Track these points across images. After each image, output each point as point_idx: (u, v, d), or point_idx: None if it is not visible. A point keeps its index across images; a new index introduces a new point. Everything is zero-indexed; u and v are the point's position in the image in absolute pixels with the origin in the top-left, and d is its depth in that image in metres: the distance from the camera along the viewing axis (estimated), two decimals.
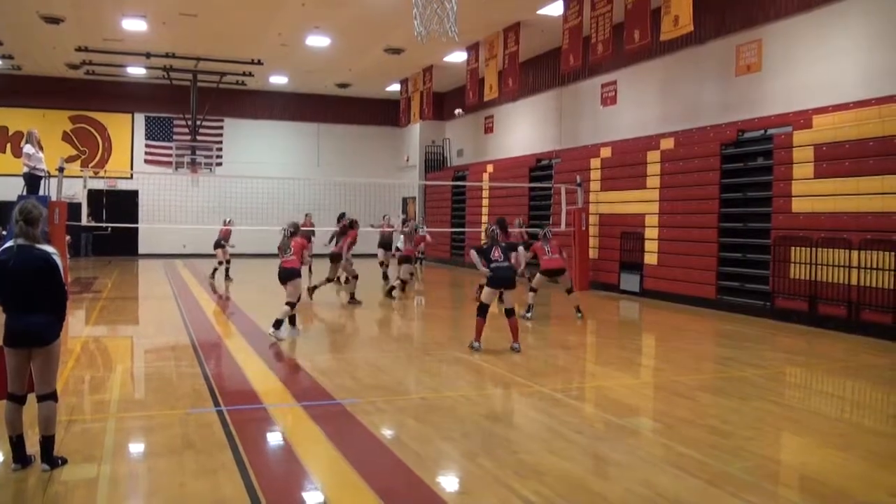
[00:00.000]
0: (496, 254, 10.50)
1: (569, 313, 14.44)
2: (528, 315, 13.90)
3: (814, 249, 13.13)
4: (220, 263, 20.28)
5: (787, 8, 15.15)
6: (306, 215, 22.08)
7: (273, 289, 14.76)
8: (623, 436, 6.61)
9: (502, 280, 10.47)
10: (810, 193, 13.52)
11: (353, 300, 15.59)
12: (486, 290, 10.62)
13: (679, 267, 16.60)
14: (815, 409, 8.00)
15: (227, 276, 20.08)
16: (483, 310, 10.57)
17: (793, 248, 13.59)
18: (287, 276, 11.51)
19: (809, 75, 14.70)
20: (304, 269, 12.98)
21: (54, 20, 20.55)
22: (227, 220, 20.73)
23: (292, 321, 11.84)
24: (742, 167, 15.47)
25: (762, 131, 15.29)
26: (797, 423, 7.25)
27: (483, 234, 12.01)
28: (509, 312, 10.61)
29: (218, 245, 20.29)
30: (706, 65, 17.32)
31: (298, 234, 11.92)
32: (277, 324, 11.20)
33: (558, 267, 13.89)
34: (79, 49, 24.24)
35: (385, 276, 19.45)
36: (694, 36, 15.88)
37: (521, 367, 9.57)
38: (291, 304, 11.46)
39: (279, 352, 10.60)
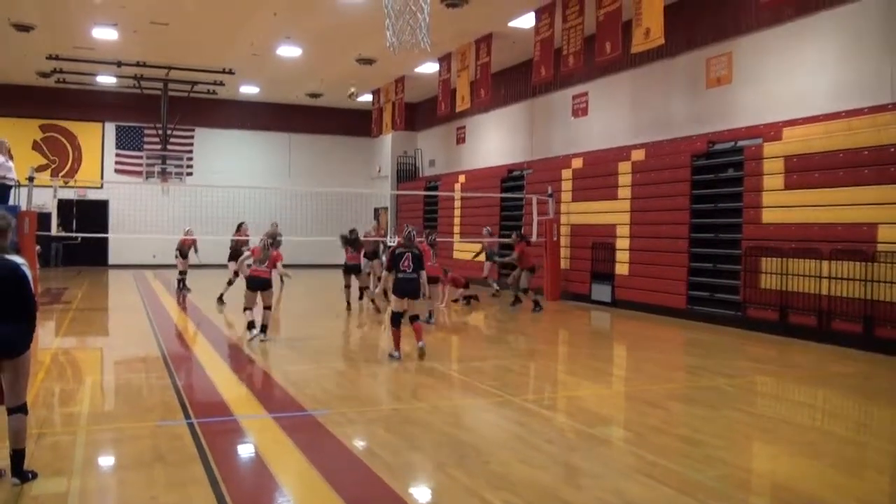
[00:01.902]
0: (405, 264, 10.76)
1: (541, 325, 14.45)
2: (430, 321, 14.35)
3: (784, 260, 13.25)
4: (182, 273, 19.93)
5: (757, 21, 15.30)
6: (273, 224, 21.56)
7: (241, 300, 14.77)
8: (594, 445, 6.63)
9: (407, 291, 10.78)
10: (780, 204, 13.66)
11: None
12: (393, 298, 10.93)
13: (650, 277, 16.69)
14: (785, 418, 8.09)
15: (182, 287, 19.78)
16: (396, 319, 10.82)
17: (763, 258, 13.71)
18: (264, 285, 12.00)
19: (779, 88, 14.86)
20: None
21: (25, 28, 20.31)
22: (187, 229, 20.35)
23: (251, 326, 12.03)
24: (713, 178, 15.58)
25: (732, 143, 15.43)
26: (768, 432, 7.32)
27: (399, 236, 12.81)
28: (413, 318, 10.99)
29: (177, 255, 19.95)
30: (677, 77, 17.47)
31: (277, 245, 12.29)
32: (264, 328, 11.86)
33: (433, 276, 14.48)
34: (49, 57, 24.01)
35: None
36: (665, 48, 16.00)
37: (492, 378, 9.58)
38: (270, 307, 12.15)
39: (250, 363, 10.55)
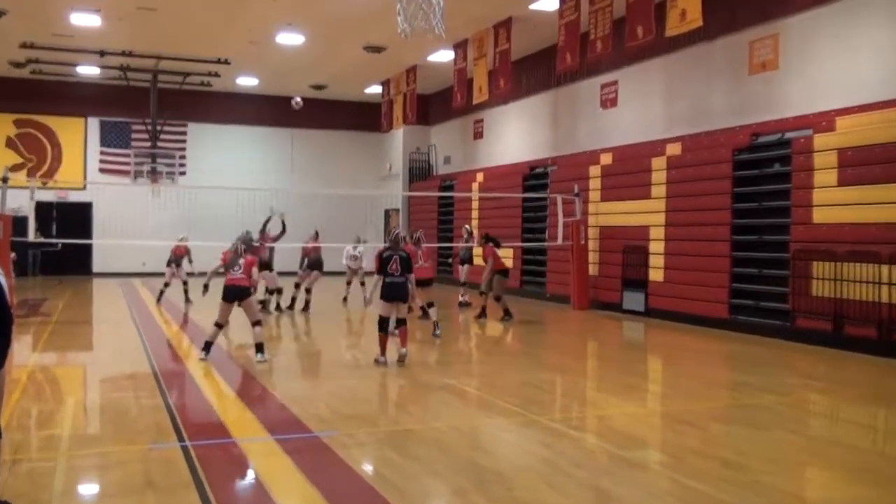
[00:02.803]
0: (393, 266, 11.33)
1: (567, 337, 14.42)
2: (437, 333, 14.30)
3: (838, 264, 13.17)
4: (166, 285, 19.88)
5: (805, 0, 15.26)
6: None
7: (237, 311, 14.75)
8: (627, 469, 6.61)
9: (395, 295, 11.39)
10: (833, 202, 13.58)
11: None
12: (381, 303, 11.42)
13: (688, 284, 16.63)
14: (840, 440, 8.02)
15: (187, 299, 19.76)
16: (382, 324, 11.30)
17: (814, 262, 13.63)
18: (242, 294, 11.54)
19: (831, 73, 14.77)
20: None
21: None
22: (181, 236, 20.16)
23: (208, 347, 11.60)
24: (757, 174, 15.53)
25: (779, 135, 15.35)
26: (820, 456, 7.27)
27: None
28: (400, 322, 11.58)
29: (168, 264, 19.88)
30: (716, 63, 17.40)
31: (250, 251, 12.07)
32: (259, 347, 11.47)
33: (426, 277, 14.67)
34: (24, 45, 24.09)
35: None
36: (703, 31, 15.92)
37: (514, 395, 9.56)
38: (259, 322, 11.63)
39: (249, 380, 10.57)
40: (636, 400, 9.82)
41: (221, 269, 11.90)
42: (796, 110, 15.33)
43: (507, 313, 16.68)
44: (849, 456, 7.27)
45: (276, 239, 17.87)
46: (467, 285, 20.44)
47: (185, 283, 19.64)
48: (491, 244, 17.25)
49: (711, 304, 15.94)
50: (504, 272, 17.14)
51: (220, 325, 11.62)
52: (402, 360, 11.28)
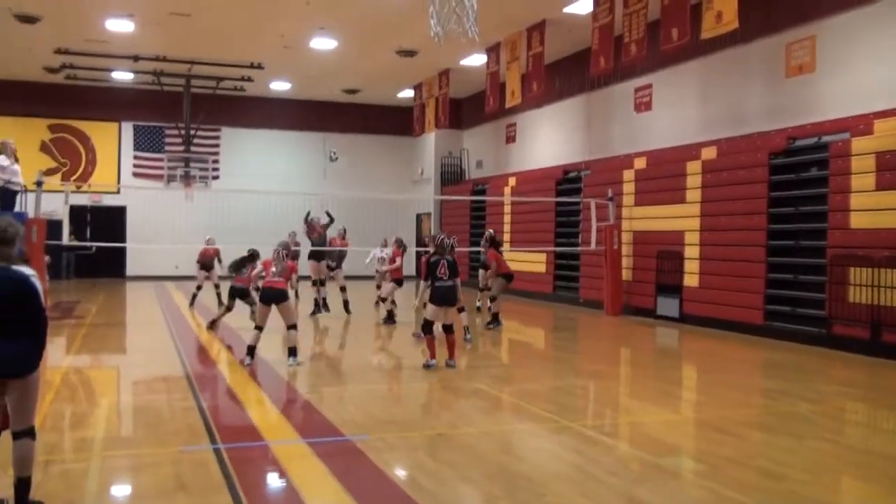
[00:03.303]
0: (441, 270, 11.37)
1: (600, 343, 14.35)
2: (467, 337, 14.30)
3: (876, 270, 13.01)
4: (199, 288, 20.02)
5: (843, 1, 15.10)
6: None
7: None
8: (662, 477, 6.56)
9: (443, 299, 11.37)
10: (871, 207, 13.41)
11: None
12: (429, 307, 11.44)
13: (723, 290, 16.49)
14: (879, 451, 7.90)
15: (220, 302, 19.81)
16: (429, 327, 11.38)
17: (852, 268, 13.47)
18: (279, 297, 11.68)
19: (869, 75, 14.61)
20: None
21: (29, 19, 20.59)
22: (208, 238, 20.07)
23: (252, 351, 11.67)
24: (793, 178, 15.38)
25: (816, 138, 15.20)
26: (860, 466, 7.17)
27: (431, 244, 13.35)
28: (448, 329, 11.48)
29: (203, 267, 19.97)
30: (753, 65, 17.27)
31: (291, 256, 12.26)
32: (292, 351, 11.59)
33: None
34: (58, 51, 24.39)
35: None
36: (739, 33, 15.81)
37: (547, 401, 9.53)
38: (295, 326, 11.76)
39: (282, 383, 10.61)
40: (670, 407, 9.76)
41: (264, 275, 12.02)
42: (833, 113, 15.18)
43: (495, 318, 16.29)
44: (888, 466, 7.16)
45: (326, 227, 18.38)
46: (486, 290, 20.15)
47: (216, 286, 19.70)
48: (492, 248, 17.07)
49: (747, 310, 15.80)
50: (507, 276, 16.88)
51: (259, 328, 11.76)
52: (448, 367, 11.31)
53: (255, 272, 13.05)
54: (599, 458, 7.04)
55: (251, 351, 11.64)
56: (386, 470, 6.56)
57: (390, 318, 16.68)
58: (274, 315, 11.65)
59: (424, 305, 12.11)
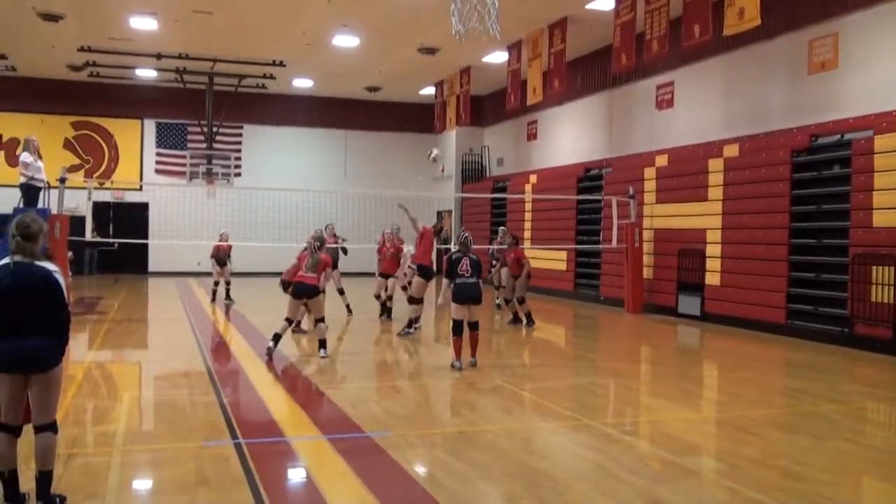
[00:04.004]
0: (463, 268, 11.20)
1: (621, 341, 14.29)
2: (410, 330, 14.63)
3: None
4: (217, 283, 20.08)
5: None
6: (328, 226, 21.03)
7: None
8: (683, 477, 6.54)
9: (468, 297, 11.15)
10: (895, 205, 13.32)
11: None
12: (453, 306, 11.25)
13: (745, 288, 16.42)
14: None
15: (227, 297, 19.88)
16: (457, 328, 11.21)
17: (874, 267, 13.38)
18: (311, 292, 11.75)
19: (893, 72, 14.47)
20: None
21: (53, 17, 20.76)
22: (223, 232, 20.24)
23: (278, 338, 11.77)
24: (816, 176, 15.30)
25: (839, 136, 15.11)
26: (882, 467, 7.12)
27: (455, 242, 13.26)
28: (473, 326, 11.27)
29: (220, 262, 19.93)
30: (775, 62, 17.17)
31: (324, 249, 12.22)
32: (322, 343, 11.78)
33: None
34: (81, 49, 24.55)
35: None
36: (761, 30, 15.72)
37: (568, 399, 9.52)
38: (323, 319, 11.88)
39: (302, 378, 10.65)
40: (691, 405, 9.72)
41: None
42: (856, 111, 15.07)
43: (529, 318, 16.22)
44: None
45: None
46: (503, 288, 19.68)
47: (227, 282, 19.77)
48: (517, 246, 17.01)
49: (768, 309, 15.72)
50: (528, 275, 16.69)
51: (289, 321, 11.95)
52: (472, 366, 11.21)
53: (289, 267, 13.09)
54: (620, 456, 7.02)
55: (276, 338, 11.74)
56: (406, 467, 6.57)
57: (387, 313, 16.88)
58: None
59: (445, 305, 11.96)
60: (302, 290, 11.78)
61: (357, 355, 13.15)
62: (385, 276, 16.83)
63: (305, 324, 14.00)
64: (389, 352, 13.69)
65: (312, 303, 11.83)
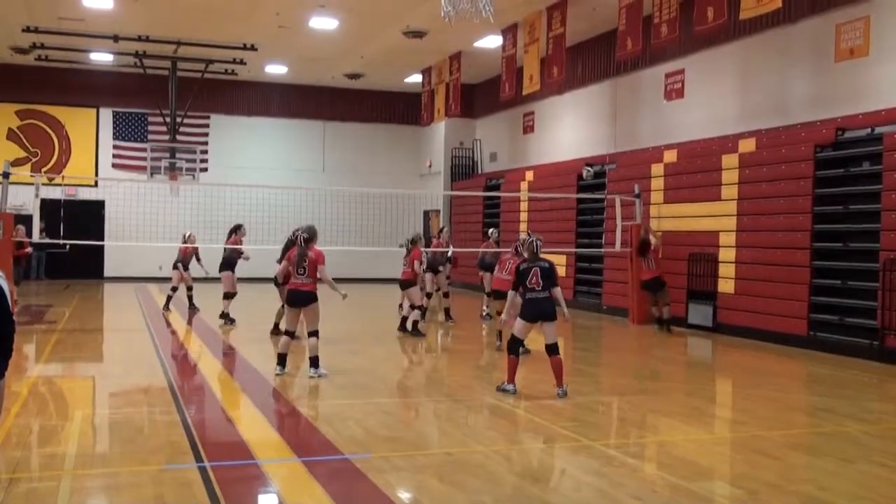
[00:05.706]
0: (533, 280, 10.39)
1: (625, 354, 14.31)
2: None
3: None
4: (174, 289, 19.92)
5: None
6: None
7: (268, 322, 14.89)
8: (694, 503, 6.53)
9: (538, 313, 10.40)
10: None
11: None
12: (518, 321, 10.58)
13: (762, 296, 16.47)
14: None
15: (191, 305, 19.75)
16: (515, 346, 10.54)
17: None
18: (307, 299, 11.46)
19: None
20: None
21: None
22: (187, 234, 19.91)
23: (283, 360, 11.61)
24: (842, 174, 15.37)
25: (868, 130, 15.17)
26: None
27: (520, 248, 12.51)
28: (551, 349, 10.43)
29: (176, 266, 19.67)
30: (798, 49, 17.22)
31: (315, 242, 11.79)
32: (314, 360, 11.41)
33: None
34: (27, 30, 24.33)
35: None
36: (783, 13, 15.81)
37: (566, 417, 9.52)
38: (317, 333, 11.49)
39: (274, 395, 10.62)
40: (703, 425, 9.73)
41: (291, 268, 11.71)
42: (888, 102, 15.10)
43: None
44: None
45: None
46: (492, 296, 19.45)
47: (189, 287, 19.57)
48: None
49: (789, 320, 15.76)
50: None
51: (289, 334, 11.63)
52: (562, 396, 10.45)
53: (280, 268, 12.79)
54: (623, 480, 7.02)
55: (282, 360, 11.56)
56: (388, 492, 6.55)
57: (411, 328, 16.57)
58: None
59: (510, 321, 11.24)
60: (296, 299, 11.52)
61: (339, 371, 13.11)
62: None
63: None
64: (376, 366, 13.62)
65: (307, 312, 11.50)
